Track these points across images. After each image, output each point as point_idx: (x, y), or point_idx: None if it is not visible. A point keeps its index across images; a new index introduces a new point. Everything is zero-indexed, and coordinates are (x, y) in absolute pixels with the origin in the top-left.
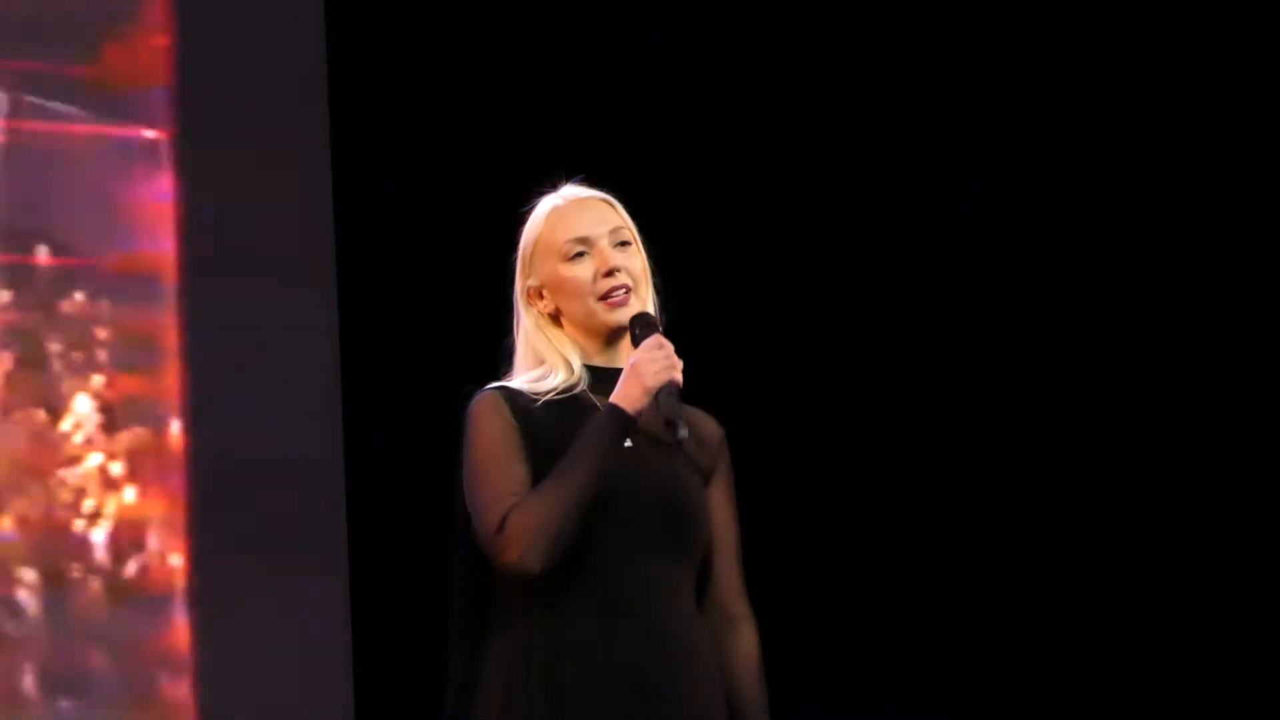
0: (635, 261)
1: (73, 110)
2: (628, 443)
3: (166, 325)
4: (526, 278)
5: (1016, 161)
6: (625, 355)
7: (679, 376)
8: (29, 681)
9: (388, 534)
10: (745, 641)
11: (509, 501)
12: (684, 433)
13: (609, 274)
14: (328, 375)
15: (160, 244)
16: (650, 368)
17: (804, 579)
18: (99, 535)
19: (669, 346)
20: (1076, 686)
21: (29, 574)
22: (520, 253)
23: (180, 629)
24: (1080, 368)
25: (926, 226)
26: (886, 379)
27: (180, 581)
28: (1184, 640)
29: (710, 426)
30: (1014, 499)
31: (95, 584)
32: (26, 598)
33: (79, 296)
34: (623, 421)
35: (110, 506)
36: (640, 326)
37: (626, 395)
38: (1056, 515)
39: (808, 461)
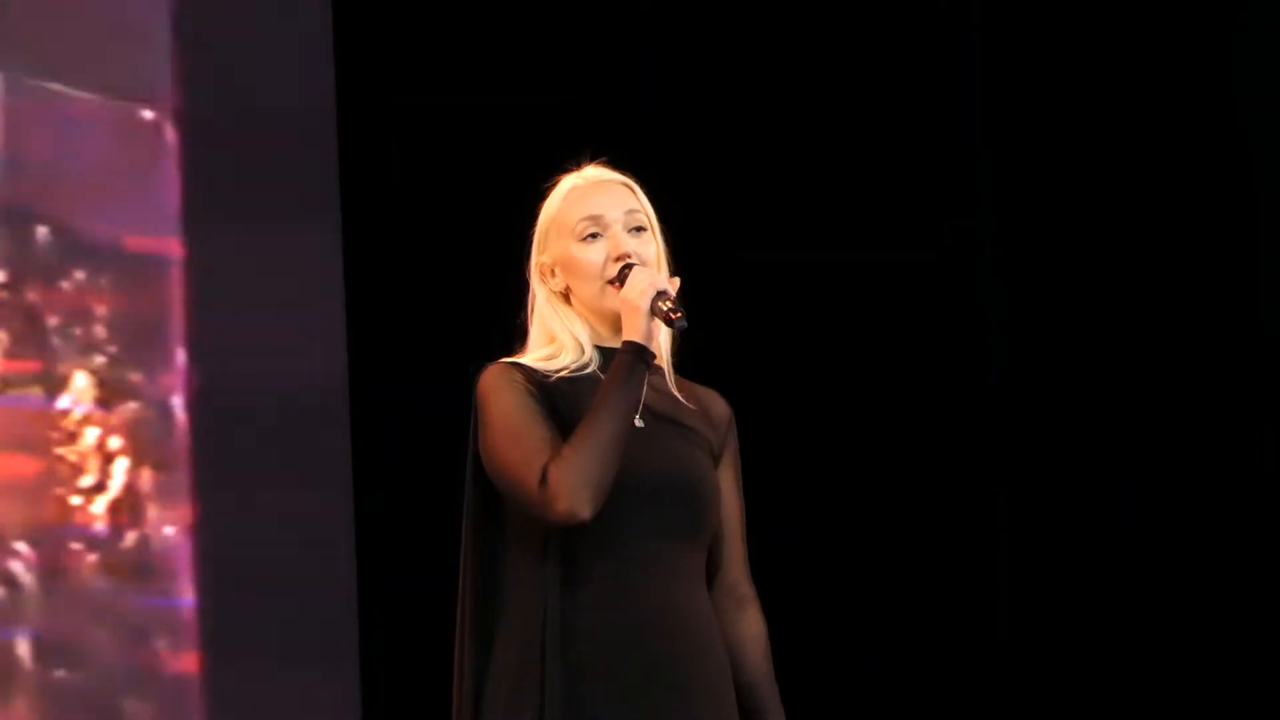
0: (649, 248)
1: (74, 89)
2: (639, 424)
3: (167, 302)
4: (540, 253)
5: (1020, 161)
6: None
7: (663, 284)
8: (24, 652)
9: (393, 530)
10: (753, 622)
11: (545, 456)
12: (684, 324)
13: (619, 259)
14: (333, 356)
15: (161, 222)
16: (634, 291)
17: (804, 585)
18: (97, 509)
19: (648, 267)
20: (1076, 686)
21: (24, 547)
22: (537, 228)
23: (183, 602)
24: (1083, 374)
25: (930, 218)
26: (887, 384)
27: (180, 555)
28: (1182, 647)
29: (719, 405)
30: (1014, 503)
31: (93, 558)
32: (22, 570)
33: (79, 274)
34: (639, 352)
35: (108, 482)
36: (623, 269)
37: (631, 328)
38: (1056, 520)
39: (807, 467)
